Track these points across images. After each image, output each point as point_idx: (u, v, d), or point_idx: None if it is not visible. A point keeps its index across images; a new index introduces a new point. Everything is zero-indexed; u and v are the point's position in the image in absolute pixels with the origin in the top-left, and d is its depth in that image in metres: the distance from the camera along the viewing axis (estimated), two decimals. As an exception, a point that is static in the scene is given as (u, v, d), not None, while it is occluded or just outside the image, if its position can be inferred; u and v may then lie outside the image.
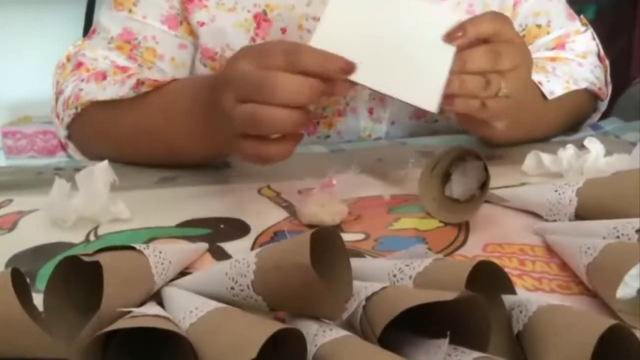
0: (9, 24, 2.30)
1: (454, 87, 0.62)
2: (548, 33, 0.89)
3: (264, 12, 0.81)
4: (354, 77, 0.59)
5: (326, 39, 0.60)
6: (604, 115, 0.94)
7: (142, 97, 0.73)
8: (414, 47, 0.63)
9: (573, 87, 0.83)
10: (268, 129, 0.57)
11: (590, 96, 0.88)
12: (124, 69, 0.80)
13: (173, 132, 0.70)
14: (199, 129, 0.67)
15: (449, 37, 0.63)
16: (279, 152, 0.58)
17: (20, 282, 0.39)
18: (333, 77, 0.57)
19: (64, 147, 0.84)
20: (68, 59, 0.85)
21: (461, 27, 0.62)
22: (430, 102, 0.62)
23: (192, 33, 0.83)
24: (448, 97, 0.63)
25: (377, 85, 0.61)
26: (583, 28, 0.91)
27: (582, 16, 0.93)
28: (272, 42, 0.62)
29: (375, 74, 0.61)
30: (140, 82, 0.73)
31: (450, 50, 0.62)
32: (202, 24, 0.82)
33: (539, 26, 0.89)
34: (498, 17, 0.65)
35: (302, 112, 0.57)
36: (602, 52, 0.91)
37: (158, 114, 0.72)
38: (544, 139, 0.83)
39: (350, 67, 0.57)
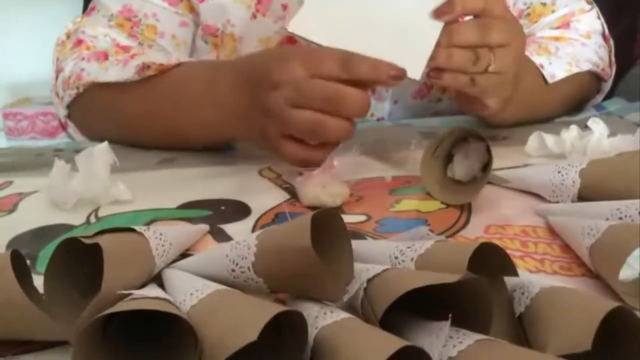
0: (8, 4, 2.29)
1: (441, 59, 0.62)
2: (553, 11, 0.88)
3: None
4: (340, 45, 0.60)
5: (309, 14, 0.61)
6: (608, 95, 0.93)
7: (146, 80, 0.73)
8: (402, 17, 0.63)
9: (575, 70, 0.82)
10: (332, 138, 0.59)
11: (593, 77, 0.88)
12: (125, 48, 0.79)
13: (181, 118, 0.70)
14: (213, 118, 0.67)
15: (437, 14, 0.63)
16: (324, 156, 0.60)
17: (20, 264, 0.39)
18: (385, 84, 0.62)
19: (63, 127, 0.84)
20: (68, 36, 0.84)
21: (450, 3, 0.62)
22: (414, 70, 0.61)
23: (193, 10, 0.82)
24: (436, 70, 0.63)
25: (362, 50, 0.61)
26: (588, 7, 0.90)
27: (587, -6, 0.92)
28: (322, 49, 0.62)
29: (360, 41, 0.61)
30: (145, 66, 0.72)
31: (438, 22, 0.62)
32: (202, 0, 0.81)
33: (543, 4, 0.88)
34: None
35: (354, 123, 0.60)
36: (606, 32, 0.90)
37: (164, 98, 0.72)
38: (546, 120, 0.82)
39: (401, 74, 0.59)
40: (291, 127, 0.59)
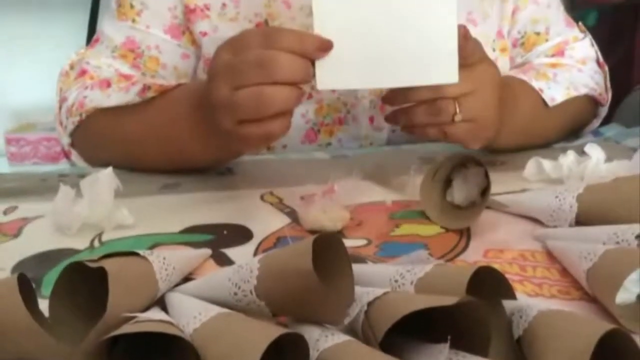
0: (13, 32, 2.31)
1: (402, 121, 0.66)
2: (547, 40, 0.90)
3: (265, 22, 0.82)
4: (374, 83, 0.60)
5: (328, 64, 0.59)
6: (605, 121, 0.94)
7: (147, 102, 0.74)
8: (412, 21, 0.60)
9: (574, 93, 0.83)
10: (279, 105, 0.57)
11: (590, 102, 0.89)
12: (127, 77, 0.81)
13: (178, 136, 0.71)
14: (200, 131, 0.67)
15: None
16: (282, 126, 0.58)
17: (26, 287, 0.39)
18: (311, 56, 0.58)
19: (66, 155, 0.85)
20: (71, 67, 0.86)
21: None
22: (449, 75, 0.60)
23: (195, 43, 0.84)
24: (405, 127, 0.67)
25: (390, 82, 0.61)
26: (581, 35, 0.92)
27: (580, 23, 0.94)
28: (248, 30, 0.62)
29: (382, 72, 0.60)
30: (146, 87, 0.74)
31: (451, 11, 0.60)
32: (205, 33, 0.82)
33: (537, 33, 0.90)
34: None
35: (299, 88, 0.58)
36: (600, 59, 0.91)
37: (163, 118, 0.73)
38: (545, 145, 0.83)
39: (326, 45, 0.57)
40: (237, 109, 0.58)
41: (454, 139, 0.65)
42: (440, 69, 0.61)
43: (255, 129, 0.58)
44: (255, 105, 0.57)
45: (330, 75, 0.59)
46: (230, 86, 0.58)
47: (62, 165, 0.96)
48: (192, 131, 0.69)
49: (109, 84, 0.79)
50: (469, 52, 0.63)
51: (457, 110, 0.64)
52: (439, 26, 0.61)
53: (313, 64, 0.58)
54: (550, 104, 0.80)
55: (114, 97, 0.76)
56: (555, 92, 0.81)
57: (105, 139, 0.78)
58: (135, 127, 0.75)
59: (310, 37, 0.58)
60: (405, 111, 0.67)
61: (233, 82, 0.58)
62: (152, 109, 0.73)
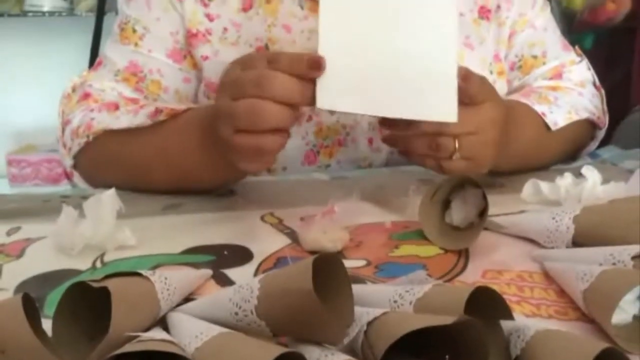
0: (15, 54, 2.34)
1: (401, 146, 0.67)
2: (544, 63, 0.91)
3: (266, 46, 0.83)
4: (370, 110, 0.61)
5: (330, 85, 0.60)
6: (602, 143, 0.95)
7: (156, 124, 0.75)
8: (415, 56, 0.61)
9: (575, 117, 0.84)
10: (267, 121, 0.59)
11: (589, 125, 0.90)
12: (134, 100, 0.82)
13: (186, 157, 0.72)
14: (209, 152, 0.69)
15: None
16: (275, 142, 0.60)
17: (31, 307, 0.40)
18: (306, 74, 0.59)
19: (68, 176, 0.85)
20: (73, 90, 0.87)
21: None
22: (448, 114, 0.61)
23: (196, 66, 0.85)
24: (402, 153, 0.68)
25: (389, 111, 0.62)
26: (578, 59, 0.93)
27: (577, 47, 0.95)
28: (255, 52, 0.66)
29: (382, 101, 0.61)
30: (158, 111, 0.74)
31: (451, 52, 0.61)
32: (206, 57, 0.84)
33: (534, 57, 0.91)
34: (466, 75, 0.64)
35: (295, 109, 0.60)
36: (597, 82, 0.93)
37: (172, 139, 0.73)
38: (545, 167, 0.84)
39: (319, 63, 0.59)
40: (234, 117, 0.60)
41: (448, 173, 0.66)
42: (440, 107, 0.61)
43: (249, 139, 0.60)
44: (250, 115, 0.59)
45: (330, 96, 0.60)
46: (230, 97, 0.60)
47: (64, 187, 0.97)
48: (201, 152, 0.70)
49: (116, 107, 0.80)
50: (473, 92, 0.64)
51: (457, 148, 0.65)
52: (440, 65, 0.62)
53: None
54: (552, 128, 0.81)
55: (123, 120, 0.77)
56: (558, 116, 0.82)
57: (111, 161, 0.79)
58: (143, 148, 0.75)
59: (305, 56, 0.60)
60: (404, 138, 0.68)
61: (232, 93, 0.60)
62: (162, 131, 0.74)
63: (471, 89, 0.64)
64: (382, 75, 0.61)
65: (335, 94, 0.60)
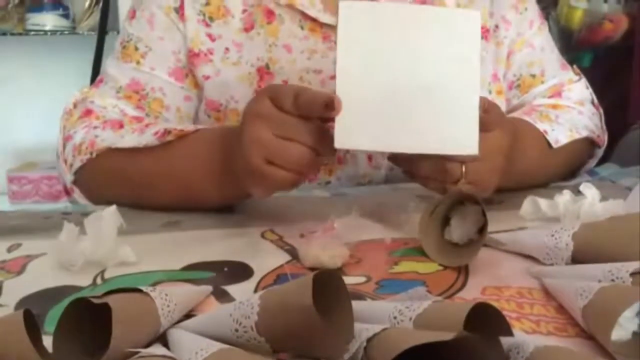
0: (17, 73, 2.35)
1: (408, 167, 0.68)
2: (542, 82, 0.92)
3: (267, 66, 0.84)
4: (380, 148, 0.62)
5: (348, 123, 0.60)
6: (600, 161, 0.96)
7: (163, 145, 0.75)
8: (436, 91, 0.61)
9: (576, 136, 0.85)
10: (297, 164, 0.63)
11: (588, 143, 0.91)
12: (138, 119, 0.82)
13: (192, 175, 0.73)
14: (216, 171, 0.70)
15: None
16: (298, 181, 0.65)
17: (32, 323, 0.40)
18: (323, 114, 0.61)
19: (67, 192, 0.85)
20: (75, 105, 0.87)
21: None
22: (470, 147, 0.61)
23: (197, 85, 0.86)
24: (406, 172, 0.69)
25: (408, 147, 0.62)
26: (576, 77, 0.94)
27: (575, 66, 0.96)
28: (283, 86, 0.66)
29: (401, 137, 0.61)
30: (167, 132, 0.75)
31: (474, 84, 0.61)
32: (208, 77, 0.84)
33: (533, 76, 0.92)
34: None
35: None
36: (595, 100, 0.93)
37: (179, 159, 0.74)
38: (544, 185, 0.84)
39: (331, 103, 0.60)
40: (270, 149, 0.62)
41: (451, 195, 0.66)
42: (461, 140, 0.61)
43: (279, 172, 0.63)
44: (285, 155, 0.62)
45: (348, 136, 0.60)
46: (273, 132, 0.62)
47: (64, 204, 0.97)
48: (208, 171, 0.71)
49: (121, 125, 0.80)
50: (489, 122, 0.65)
51: (463, 173, 0.65)
52: (463, 97, 0.61)
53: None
54: (554, 145, 0.82)
55: (128, 138, 0.77)
56: (559, 134, 0.83)
57: (114, 177, 0.79)
58: (149, 166, 0.76)
59: (320, 99, 0.61)
60: (410, 159, 0.68)
61: (276, 130, 0.62)
62: (169, 150, 0.75)
63: (488, 120, 0.64)
64: (402, 111, 0.61)
65: (352, 133, 0.60)
